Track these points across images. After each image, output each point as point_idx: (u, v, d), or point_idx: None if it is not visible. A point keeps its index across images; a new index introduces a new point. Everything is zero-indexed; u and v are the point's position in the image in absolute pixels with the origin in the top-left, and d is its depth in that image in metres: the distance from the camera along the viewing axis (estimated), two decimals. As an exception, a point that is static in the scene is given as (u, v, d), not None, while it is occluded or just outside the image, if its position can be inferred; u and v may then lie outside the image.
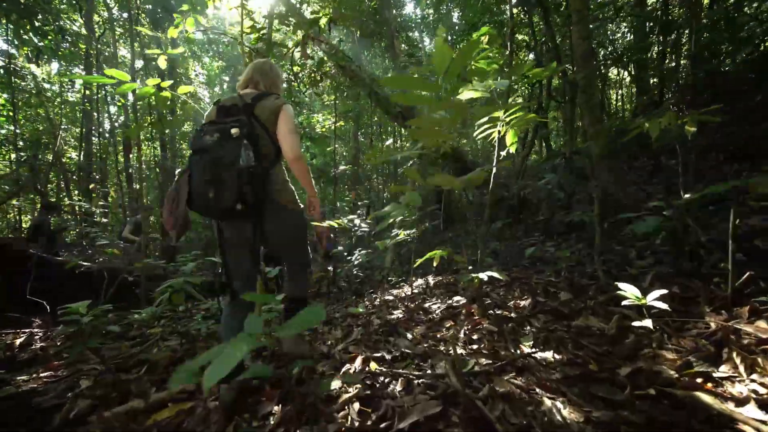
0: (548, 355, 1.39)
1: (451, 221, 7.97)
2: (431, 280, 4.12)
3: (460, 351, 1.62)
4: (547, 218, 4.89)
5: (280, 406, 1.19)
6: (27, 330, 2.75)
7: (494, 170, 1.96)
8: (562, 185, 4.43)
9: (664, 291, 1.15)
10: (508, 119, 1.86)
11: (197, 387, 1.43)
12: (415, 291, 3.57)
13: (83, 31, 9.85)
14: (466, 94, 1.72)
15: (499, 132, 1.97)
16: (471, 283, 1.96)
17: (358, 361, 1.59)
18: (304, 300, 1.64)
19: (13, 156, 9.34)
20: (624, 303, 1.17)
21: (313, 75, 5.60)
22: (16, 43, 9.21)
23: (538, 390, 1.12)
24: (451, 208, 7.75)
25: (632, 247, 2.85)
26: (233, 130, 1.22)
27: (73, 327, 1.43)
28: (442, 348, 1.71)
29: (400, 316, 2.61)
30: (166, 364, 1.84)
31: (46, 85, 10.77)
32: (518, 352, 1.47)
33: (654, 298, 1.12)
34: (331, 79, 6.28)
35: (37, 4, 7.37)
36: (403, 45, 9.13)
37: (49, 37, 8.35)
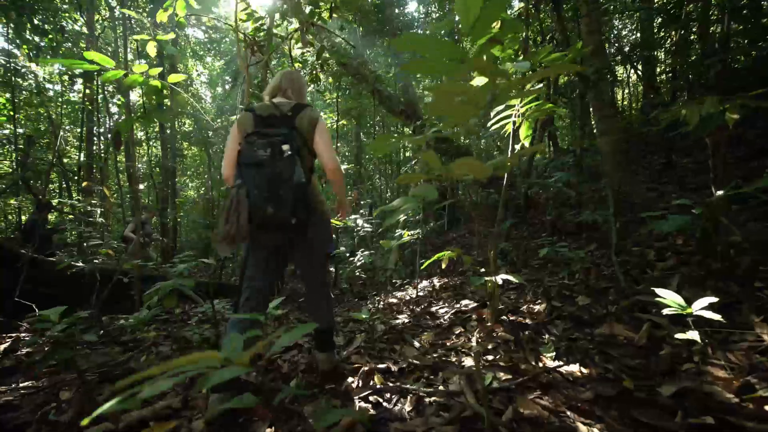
0: (574, 368, 1.25)
1: (455, 221, 7.82)
2: (437, 282, 3.98)
3: (473, 362, 1.48)
4: (555, 218, 4.74)
5: (274, 428, 1.05)
6: (14, 335, 2.63)
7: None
8: (572, 184, 4.28)
9: (713, 299, 1.00)
10: (524, 109, 1.72)
11: (183, 403, 1.29)
12: (421, 294, 3.43)
13: (84, 30, 9.78)
14: (478, 80, 1.58)
15: (514, 123, 1.83)
16: (483, 287, 1.81)
17: (362, 373, 1.45)
18: (333, 328, 1.56)
19: (15, 156, 9.26)
20: (666, 312, 1.02)
21: (315, 72, 5.46)
22: (18, 42, 9.14)
23: (569, 412, 0.97)
24: (455, 208, 7.60)
25: (650, 248, 2.69)
26: (284, 147, 1.25)
27: (48, 337, 1.30)
28: (454, 359, 1.57)
29: (406, 321, 2.47)
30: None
31: (48, 85, 10.70)
32: (540, 364, 1.32)
33: (702, 308, 0.97)
34: (331, 72, 6.15)
35: (37, 2, 7.28)
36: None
37: (50, 36, 8.26)
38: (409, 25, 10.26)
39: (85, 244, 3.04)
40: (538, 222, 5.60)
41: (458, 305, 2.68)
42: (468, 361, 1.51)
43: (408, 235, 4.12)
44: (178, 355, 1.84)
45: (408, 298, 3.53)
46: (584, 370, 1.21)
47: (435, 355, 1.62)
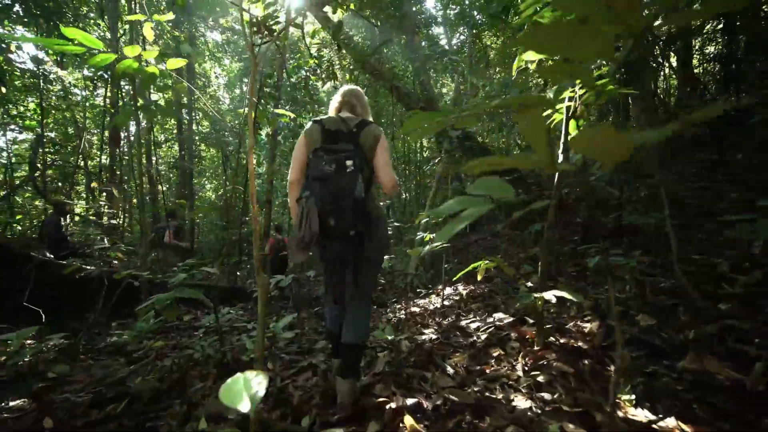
0: (671, 423, 0.94)
1: (477, 223, 7.46)
2: (462, 289, 3.67)
3: (527, 403, 1.19)
4: (587, 220, 4.34)
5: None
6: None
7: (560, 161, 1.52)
8: (614, 182, 3.88)
9: None
10: (583, 90, 1.42)
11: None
12: (447, 303, 3.14)
13: (108, 35, 9.97)
14: (530, 56, 1.30)
15: (568, 109, 1.53)
16: (531, 304, 1.52)
17: (388, 412, 1.18)
18: (363, 344, 1.49)
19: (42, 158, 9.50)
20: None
21: (331, 68, 5.27)
22: (50, 52, 9.41)
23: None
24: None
25: (721, 257, 2.32)
26: (348, 162, 1.34)
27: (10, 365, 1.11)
28: (500, 395, 1.28)
29: (434, 337, 2.19)
30: (150, 397, 1.49)
31: (75, 90, 10.99)
32: (620, 413, 1.02)
33: None
34: (348, 68, 5.93)
35: (60, 7, 7.42)
36: (423, 42, 8.69)
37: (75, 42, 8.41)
38: (426, 23, 9.96)
39: (94, 247, 2.90)
40: (569, 225, 5.21)
41: (491, 319, 2.38)
42: (519, 400, 1.23)
43: (429, 238, 3.83)
44: (178, 375, 1.63)
45: (432, 307, 3.24)
46: (687, 429, 0.90)
47: (476, 389, 1.34)
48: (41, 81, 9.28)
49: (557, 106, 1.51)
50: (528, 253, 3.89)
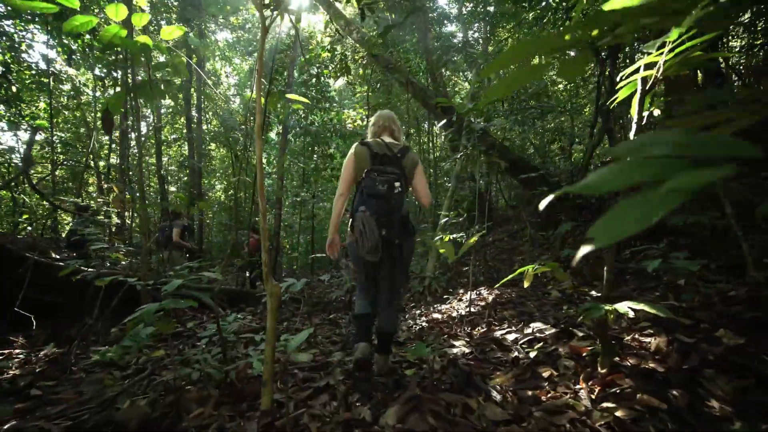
0: None
1: (492, 224, 7.14)
2: (487, 294, 3.38)
3: (616, 452, 0.91)
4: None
5: None
6: (6, 351, 2.30)
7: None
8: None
9: None
10: (670, 55, 1.14)
11: None
12: (472, 310, 2.85)
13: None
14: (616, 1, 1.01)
15: (645, 82, 1.25)
16: (602, 318, 1.24)
17: (434, 460, 0.92)
18: (395, 332, 1.86)
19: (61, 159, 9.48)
20: None
21: (343, 62, 5.04)
22: (57, 47, 9.40)
23: None
24: (490, 209, 6.92)
25: (800, 261, 1.99)
26: (396, 184, 1.58)
27: None
28: (574, 437, 1.00)
29: (466, 351, 1.92)
30: (137, 427, 1.25)
31: (87, 90, 10.99)
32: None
33: None
34: (361, 63, 5.68)
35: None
36: (437, 42, 8.42)
37: (85, 39, 8.35)
38: (439, 20, 9.66)
39: (91, 247, 2.70)
40: (591, 222, 4.86)
41: (529, 330, 2.10)
42: (601, 446, 0.95)
43: (449, 238, 3.54)
44: (170, 402, 1.38)
45: (455, 314, 2.96)
46: None
47: (539, 426, 1.06)
48: (51, 80, 9.26)
49: (634, 78, 1.23)
50: (558, 254, 3.57)
